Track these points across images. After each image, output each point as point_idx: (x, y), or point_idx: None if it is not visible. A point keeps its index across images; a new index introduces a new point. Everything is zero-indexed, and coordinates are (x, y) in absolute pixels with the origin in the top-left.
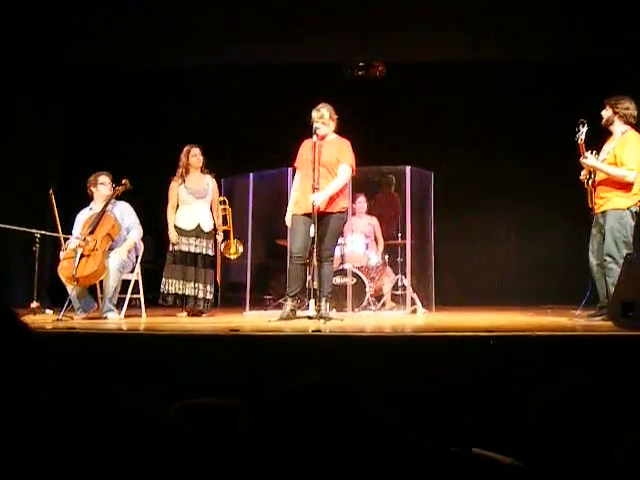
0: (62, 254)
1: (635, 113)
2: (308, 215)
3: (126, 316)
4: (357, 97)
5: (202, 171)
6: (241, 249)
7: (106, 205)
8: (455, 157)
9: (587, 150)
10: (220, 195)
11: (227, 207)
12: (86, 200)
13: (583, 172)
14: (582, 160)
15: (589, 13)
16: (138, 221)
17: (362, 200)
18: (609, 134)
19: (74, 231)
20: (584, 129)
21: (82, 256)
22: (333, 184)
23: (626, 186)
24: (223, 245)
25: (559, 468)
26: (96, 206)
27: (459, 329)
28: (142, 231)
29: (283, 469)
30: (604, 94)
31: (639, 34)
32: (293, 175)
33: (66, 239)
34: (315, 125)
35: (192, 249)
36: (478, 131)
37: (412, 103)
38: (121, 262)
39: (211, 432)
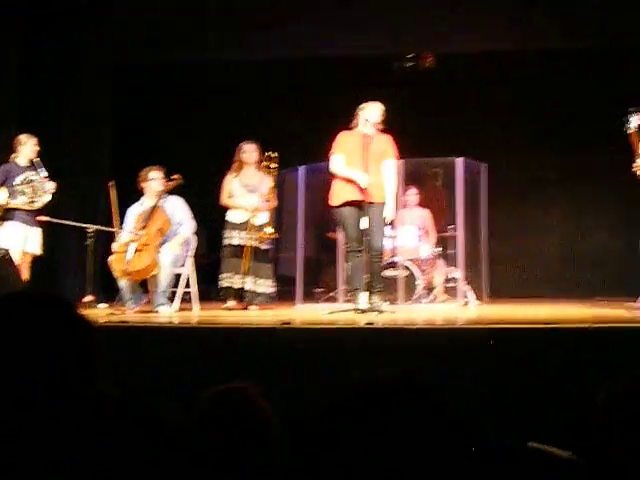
0: (114, 248)
1: None
2: (353, 205)
3: (178, 310)
4: (407, 89)
5: (257, 167)
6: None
7: (158, 200)
8: (507, 148)
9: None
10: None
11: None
12: (138, 195)
13: (636, 163)
14: (637, 161)
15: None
16: (190, 215)
17: (413, 192)
18: None
19: (126, 225)
20: (634, 118)
21: (134, 250)
22: (391, 184)
23: None
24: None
25: (620, 464)
26: (147, 201)
27: (512, 321)
28: (194, 225)
29: (360, 462)
30: None
31: None
32: None
33: (118, 233)
34: (374, 119)
35: (243, 242)
36: (530, 122)
37: (462, 94)
38: (173, 256)
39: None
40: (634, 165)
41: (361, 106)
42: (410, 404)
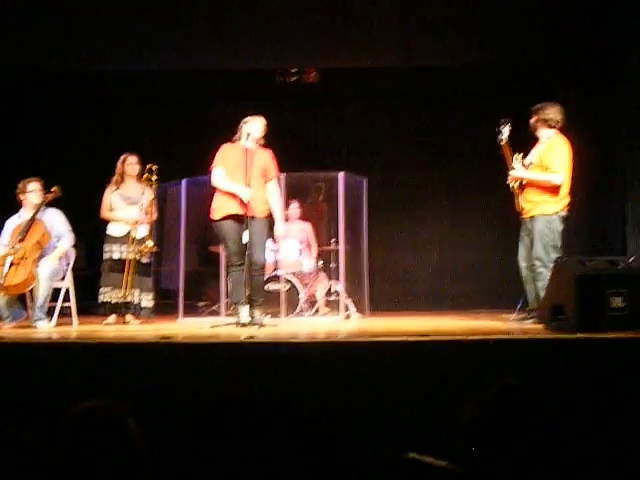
0: None
1: (558, 118)
2: (234, 219)
3: (57, 325)
4: (290, 103)
5: (138, 180)
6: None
7: (36, 213)
8: (388, 163)
9: (513, 151)
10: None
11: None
12: (16, 207)
13: (510, 176)
14: (510, 172)
15: (521, 21)
16: (69, 228)
17: (295, 206)
18: (538, 139)
19: (2, 239)
20: (505, 129)
21: (11, 264)
22: (277, 201)
23: (554, 191)
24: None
25: (492, 470)
26: (25, 213)
27: (392, 334)
28: (73, 238)
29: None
30: (536, 101)
31: (569, 42)
32: None
33: None
34: (255, 134)
35: (123, 256)
36: (410, 137)
37: (345, 109)
38: (52, 270)
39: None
40: (508, 177)
41: (245, 119)
42: (278, 422)
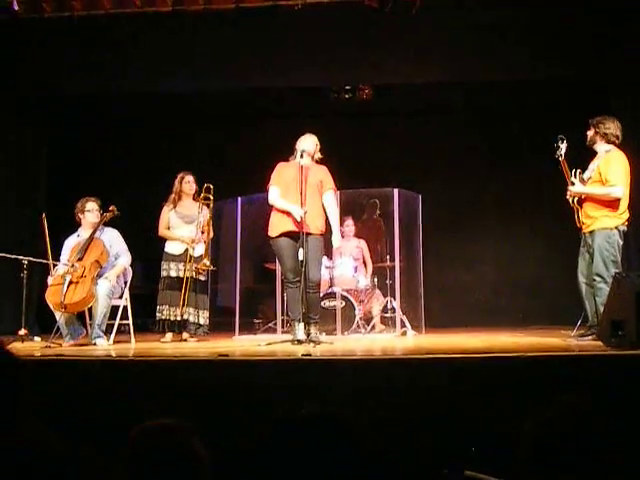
0: (50, 280)
1: (617, 132)
2: (290, 236)
3: (115, 342)
4: (345, 120)
5: (194, 198)
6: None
7: (94, 232)
8: (442, 179)
9: (569, 167)
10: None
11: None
12: (74, 226)
13: (569, 192)
14: (570, 188)
15: (573, 35)
16: (126, 247)
17: (350, 223)
18: (595, 153)
19: (62, 257)
20: (563, 145)
21: (70, 283)
22: (334, 213)
23: (614, 205)
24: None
25: None
26: (84, 232)
27: (449, 351)
28: (130, 257)
29: None
30: (591, 115)
31: (622, 56)
32: None
33: (54, 265)
34: (308, 150)
35: (181, 274)
36: (465, 153)
37: (399, 125)
38: (110, 288)
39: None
40: (567, 192)
41: (299, 139)
42: (334, 439)
